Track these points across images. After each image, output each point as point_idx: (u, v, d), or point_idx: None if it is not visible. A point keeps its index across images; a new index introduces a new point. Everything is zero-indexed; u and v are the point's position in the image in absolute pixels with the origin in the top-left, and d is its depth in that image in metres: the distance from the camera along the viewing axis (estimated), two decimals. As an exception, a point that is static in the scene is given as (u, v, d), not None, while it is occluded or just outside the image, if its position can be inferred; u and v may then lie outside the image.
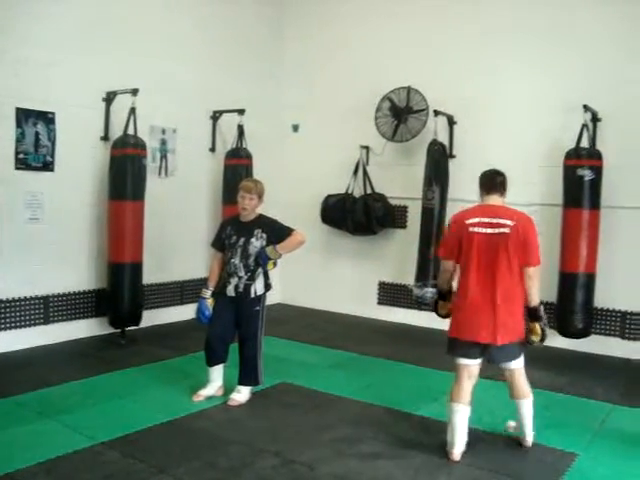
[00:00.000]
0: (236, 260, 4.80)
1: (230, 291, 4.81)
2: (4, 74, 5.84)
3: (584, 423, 4.70)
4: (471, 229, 4.04)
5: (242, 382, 4.90)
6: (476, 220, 4.07)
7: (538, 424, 4.60)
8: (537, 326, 4.09)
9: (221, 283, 4.89)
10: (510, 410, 4.73)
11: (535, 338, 4.11)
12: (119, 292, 6.42)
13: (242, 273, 4.78)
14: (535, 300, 4.05)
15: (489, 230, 4.02)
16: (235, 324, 4.86)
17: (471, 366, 4.09)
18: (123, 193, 6.35)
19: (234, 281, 4.80)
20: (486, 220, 4.06)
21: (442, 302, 4.39)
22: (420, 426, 4.53)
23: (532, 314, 4.09)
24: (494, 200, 4.23)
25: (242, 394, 4.88)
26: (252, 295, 4.81)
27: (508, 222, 4.01)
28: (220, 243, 4.98)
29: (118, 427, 4.29)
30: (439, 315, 4.47)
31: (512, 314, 4.00)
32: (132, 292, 6.47)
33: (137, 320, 6.60)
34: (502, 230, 4.00)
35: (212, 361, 4.90)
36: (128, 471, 3.70)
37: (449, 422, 4.09)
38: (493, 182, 4.27)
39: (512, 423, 4.38)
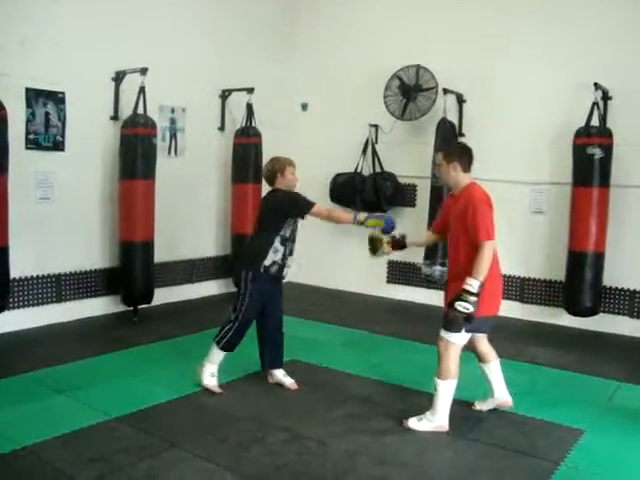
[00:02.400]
0: (294, 245, 4.72)
1: (286, 274, 4.74)
2: (13, 54, 5.84)
3: (591, 400, 4.74)
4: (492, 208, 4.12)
5: (282, 364, 4.91)
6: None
7: (545, 401, 4.68)
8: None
9: (270, 266, 4.54)
10: (519, 386, 4.80)
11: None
12: (131, 270, 6.48)
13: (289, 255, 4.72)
14: None
15: None
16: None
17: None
18: (134, 172, 6.38)
19: (287, 264, 4.70)
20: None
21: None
22: (429, 403, 4.57)
23: None
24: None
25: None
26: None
27: None
28: None
29: (130, 403, 4.36)
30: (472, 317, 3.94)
31: None
32: (144, 270, 6.53)
33: (149, 298, 6.67)
34: None
35: (236, 347, 4.69)
36: (141, 445, 3.77)
37: (448, 399, 4.13)
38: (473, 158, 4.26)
39: (478, 403, 4.50)
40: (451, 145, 4.31)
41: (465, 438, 4.04)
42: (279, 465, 3.60)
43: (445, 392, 4.09)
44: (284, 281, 4.83)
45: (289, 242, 4.62)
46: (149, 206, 6.51)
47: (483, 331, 4.25)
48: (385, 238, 4.54)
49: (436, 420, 4.11)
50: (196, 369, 4.72)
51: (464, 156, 4.18)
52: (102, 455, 3.63)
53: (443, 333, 4.11)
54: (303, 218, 4.59)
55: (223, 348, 4.60)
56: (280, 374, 4.85)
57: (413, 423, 4.14)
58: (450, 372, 4.07)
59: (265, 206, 4.72)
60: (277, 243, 4.53)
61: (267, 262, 4.52)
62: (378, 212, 7.87)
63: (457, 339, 4.07)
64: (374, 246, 4.63)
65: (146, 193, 6.46)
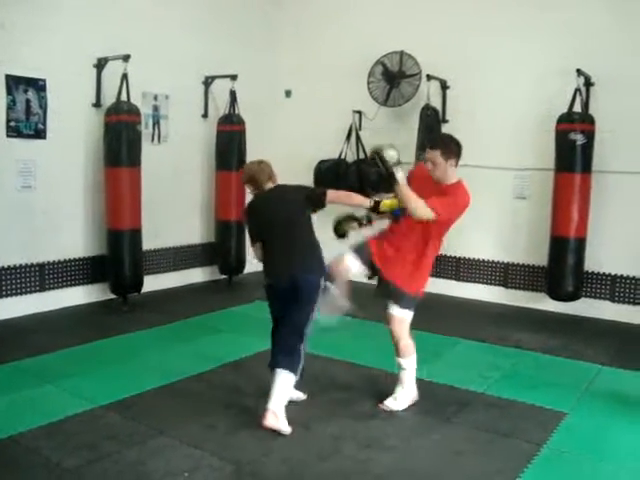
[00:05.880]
0: None
1: None
2: (-7, 40, 5.79)
3: (574, 383, 4.81)
4: None
5: None
6: None
7: (529, 384, 4.74)
8: None
9: None
10: (503, 370, 4.87)
11: None
12: (120, 259, 6.45)
13: None
14: None
15: None
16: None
17: None
18: (119, 160, 6.34)
19: None
20: None
21: None
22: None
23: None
24: None
25: None
26: None
27: None
28: None
29: (117, 391, 4.36)
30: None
31: None
32: (133, 259, 6.52)
33: (139, 287, 6.65)
34: None
35: None
36: (129, 433, 3.78)
37: (414, 372, 4.32)
38: None
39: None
40: (445, 141, 4.16)
41: (450, 422, 4.08)
42: (266, 450, 3.62)
43: (412, 367, 4.29)
44: None
45: None
46: (136, 194, 6.49)
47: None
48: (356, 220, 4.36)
49: (409, 394, 4.29)
50: (264, 422, 3.76)
51: (459, 152, 4.09)
52: (89, 443, 3.63)
53: (399, 312, 4.21)
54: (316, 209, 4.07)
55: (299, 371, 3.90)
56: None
57: (391, 404, 4.26)
58: (412, 347, 4.27)
59: (295, 197, 4.08)
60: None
61: None
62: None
63: (410, 316, 4.24)
64: (342, 227, 4.42)
65: (132, 180, 6.43)
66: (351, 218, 4.38)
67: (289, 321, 3.91)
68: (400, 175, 3.89)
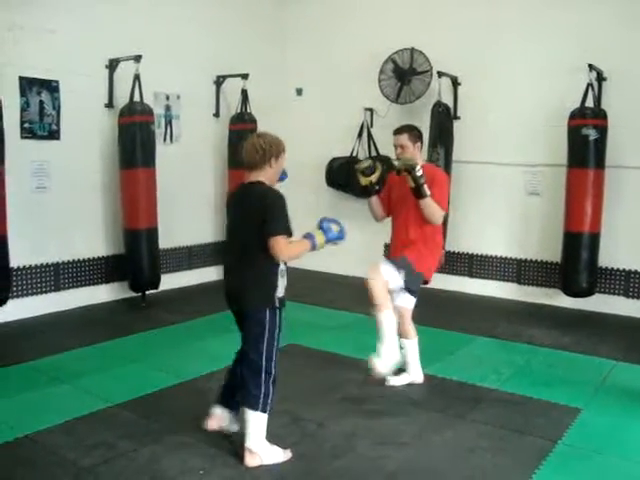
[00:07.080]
0: None
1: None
2: (6, 42, 5.81)
3: (588, 379, 4.79)
4: None
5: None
6: None
7: (543, 381, 4.73)
8: None
9: (283, 296, 3.61)
10: (516, 367, 4.86)
11: None
12: (139, 257, 6.54)
13: None
14: None
15: None
16: None
17: None
18: (134, 160, 6.39)
19: None
20: None
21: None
22: (426, 385, 4.62)
23: None
24: None
25: None
26: None
27: None
28: None
29: (132, 389, 4.40)
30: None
31: None
32: (151, 256, 6.61)
33: (156, 284, 6.73)
34: None
35: None
36: (143, 431, 3.81)
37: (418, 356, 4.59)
38: None
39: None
40: (409, 126, 4.61)
41: (463, 418, 4.08)
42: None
43: (417, 349, 4.57)
44: None
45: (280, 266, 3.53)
46: (152, 193, 6.57)
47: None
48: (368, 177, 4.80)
49: (418, 372, 4.59)
50: (246, 463, 3.45)
51: (421, 137, 4.57)
52: (105, 441, 3.67)
53: (406, 301, 4.46)
54: (266, 241, 3.35)
55: (267, 409, 3.46)
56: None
57: (395, 380, 4.54)
58: (414, 330, 4.55)
59: (254, 210, 3.43)
60: (282, 264, 3.51)
61: (280, 293, 3.53)
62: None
63: (414, 303, 4.51)
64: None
65: (148, 180, 6.50)
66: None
67: (245, 355, 3.54)
68: (425, 189, 4.28)
